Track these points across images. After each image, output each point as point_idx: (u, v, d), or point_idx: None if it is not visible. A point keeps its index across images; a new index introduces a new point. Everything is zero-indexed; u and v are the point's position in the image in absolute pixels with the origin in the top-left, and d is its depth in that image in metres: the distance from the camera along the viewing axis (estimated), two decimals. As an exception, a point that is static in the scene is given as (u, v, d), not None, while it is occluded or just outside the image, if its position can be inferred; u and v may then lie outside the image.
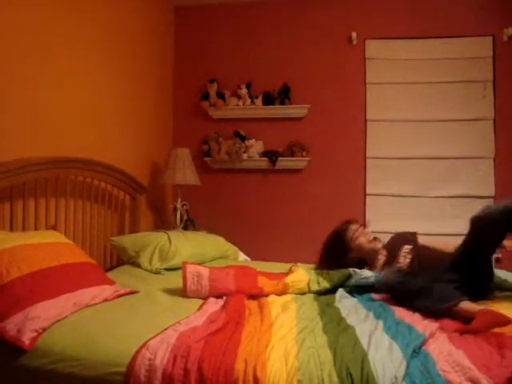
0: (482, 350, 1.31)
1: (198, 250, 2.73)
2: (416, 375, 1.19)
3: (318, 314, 1.70)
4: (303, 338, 1.41)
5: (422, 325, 1.52)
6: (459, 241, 1.99)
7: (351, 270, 2.10)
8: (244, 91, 3.68)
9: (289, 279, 2.04)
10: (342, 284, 2.04)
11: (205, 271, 2.02)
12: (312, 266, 2.40)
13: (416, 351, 1.31)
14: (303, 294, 2.02)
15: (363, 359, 1.25)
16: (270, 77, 3.75)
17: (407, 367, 1.22)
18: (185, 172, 3.33)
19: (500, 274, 2.19)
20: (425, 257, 2.16)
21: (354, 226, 2.43)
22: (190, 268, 2.02)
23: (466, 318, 1.57)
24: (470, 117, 3.51)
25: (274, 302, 1.85)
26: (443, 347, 1.32)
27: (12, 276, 1.62)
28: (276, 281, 2.05)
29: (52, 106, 2.38)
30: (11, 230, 2.03)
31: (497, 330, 1.47)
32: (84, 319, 1.59)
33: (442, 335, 1.42)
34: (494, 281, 2.01)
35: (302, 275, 2.10)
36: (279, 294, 1.97)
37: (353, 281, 2.03)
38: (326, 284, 2.05)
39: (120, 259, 2.77)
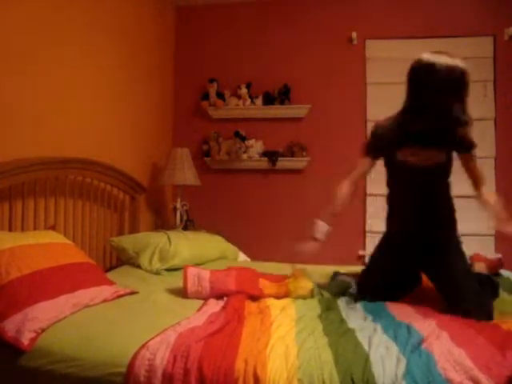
0: (484, 349, 1.31)
1: (198, 250, 2.72)
2: (417, 374, 1.19)
3: (318, 316, 1.68)
4: (303, 339, 1.41)
5: (421, 324, 1.51)
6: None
7: (350, 281, 2.10)
8: (244, 91, 3.68)
9: (292, 285, 2.01)
10: (344, 293, 2.02)
11: (205, 273, 2.03)
12: (312, 267, 2.38)
13: (415, 348, 1.31)
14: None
15: (366, 359, 1.25)
16: (270, 77, 3.75)
17: (407, 365, 1.22)
18: (185, 172, 3.32)
19: (504, 273, 2.21)
20: None
21: None
22: (191, 270, 2.03)
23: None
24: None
25: (274, 304, 1.83)
26: (444, 346, 1.32)
27: (11, 276, 1.62)
28: (278, 284, 2.04)
29: (52, 105, 2.37)
30: (10, 230, 2.03)
31: (505, 326, 1.49)
32: (83, 320, 1.59)
33: (443, 333, 1.41)
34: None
35: (306, 282, 2.05)
36: (279, 298, 1.94)
37: (350, 292, 2.03)
38: (328, 295, 2.03)
39: (120, 259, 2.76)
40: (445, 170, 1.89)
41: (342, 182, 1.96)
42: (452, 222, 1.94)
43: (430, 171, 1.84)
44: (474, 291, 1.73)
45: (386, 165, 1.97)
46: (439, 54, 1.71)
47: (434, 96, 1.69)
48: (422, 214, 1.89)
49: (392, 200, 2.00)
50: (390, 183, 1.99)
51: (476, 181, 1.88)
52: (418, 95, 1.75)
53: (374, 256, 2.07)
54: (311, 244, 1.91)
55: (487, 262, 2.21)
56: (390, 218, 2.02)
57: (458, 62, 1.67)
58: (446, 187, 1.93)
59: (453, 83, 1.68)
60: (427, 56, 1.71)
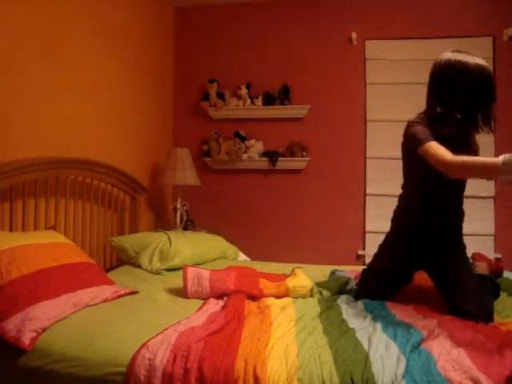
0: (483, 349, 1.31)
1: (198, 250, 2.73)
2: (416, 373, 1.19)
3: (318, 315, 1.69)
4: (303, 339, 1.41)
5: (421, 323, 1.52)
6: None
7: (348, 276, 2.10)
8: (244, 91, 3.68)
9: (291, 284, 2.01)
10: (343, 291, 2.04)
11: (205, 273, 2.03)
12: (312, 267, 2.39)
13: (415, 347, 1.32)
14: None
15: (365, 359, 1.25)
16: (270, 77, 3.75)
17: (407, 364, 1.22)
18: (185, 172, 3.33)
19: (504, 274, 2.22)
20: None
21: None
22: (191, 270, 2.03)
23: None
24: (470, 117, 3.50)
25: (274, 303, 1.84)
26: (444, 346, 1.32)
27: (12, 276, 1.62)
28: (277, 283, 2.04)
29: (52, 106, 2.37)
30: (11, 230, 2.03)
31: (504, 328, 1.49)
32: (84, 319, 1.59)
33: (442, 333, 1.41)
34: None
35: (306, 281, 2.05)
36: (279, 297, 1.95)
37: (348, 287, 2.04)
38: (327, 293, 2.03)
39: (120, 259, 2.76)
40: None
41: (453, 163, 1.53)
42: (462, 223, 1.96)
43: None
44: (474, 292, 1.74)
45: (412, 166, 1.85)
46: (462, 53, 1.66)
47: (469, 96, 1.63)
48: (446, 215, 1.88)
49: (414, 198, 1.91)
50: (414, 183, 1.88)
51: None
52: (449, 96, 1.67)
53: (377, 255, 2.06)
54: None
55: (488, 263, 2.20)
56: (407, 214, 1.95)
57: (484, 62, 1.64)
58: (464, 189, 1.94)
59: (485, 83, 1.65)
60: (453, 55, 1.66)
